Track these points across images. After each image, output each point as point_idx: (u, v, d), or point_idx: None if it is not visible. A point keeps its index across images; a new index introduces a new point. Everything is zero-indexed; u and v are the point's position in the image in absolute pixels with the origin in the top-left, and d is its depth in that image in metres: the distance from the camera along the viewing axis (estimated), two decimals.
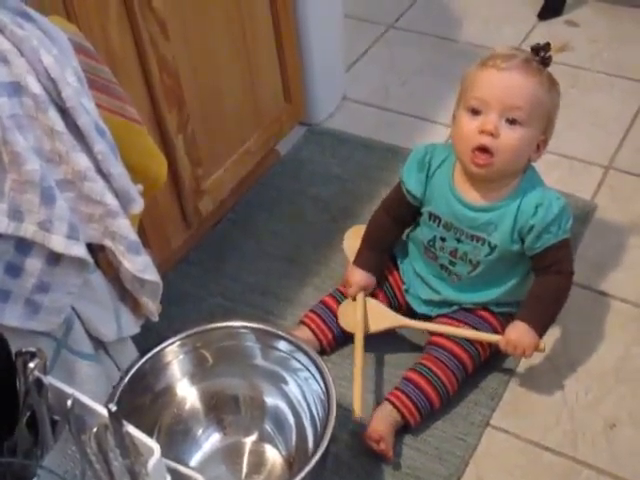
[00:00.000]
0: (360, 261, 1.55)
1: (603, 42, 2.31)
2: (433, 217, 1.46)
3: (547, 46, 1.34)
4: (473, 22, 2.42)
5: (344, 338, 1.55)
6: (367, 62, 2.33)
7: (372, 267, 1.54)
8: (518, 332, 1.40)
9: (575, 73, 2.20)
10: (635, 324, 1.59)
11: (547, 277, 1.42)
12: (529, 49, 1.36)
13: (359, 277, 1.53)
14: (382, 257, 1.57)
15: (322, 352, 1.53)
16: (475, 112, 1.35)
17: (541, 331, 1.41)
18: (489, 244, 1.42)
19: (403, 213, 1.53)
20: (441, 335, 1.47)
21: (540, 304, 1.43)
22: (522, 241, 1.40)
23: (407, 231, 1.58)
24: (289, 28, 1.79)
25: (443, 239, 1.46)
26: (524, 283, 1.47)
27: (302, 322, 1.56)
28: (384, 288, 1.57)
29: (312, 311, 1.57)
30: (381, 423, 1.39)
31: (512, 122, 1.33)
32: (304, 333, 1.52)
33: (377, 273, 1.55)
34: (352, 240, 1.63)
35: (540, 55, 1.34)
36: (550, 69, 1.36)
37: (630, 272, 1.69)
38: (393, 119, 2.11)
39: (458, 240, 1.44)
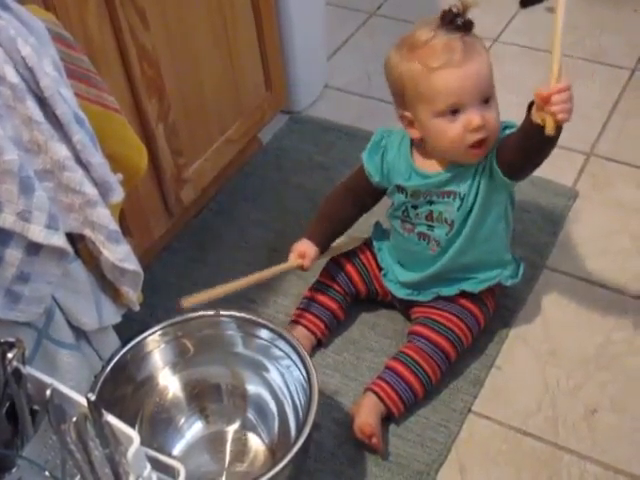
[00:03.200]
0: (308, 232, 1.53)
1: (584, 29, 2.31)
2: (399, 189, 1.45)
3: (460, 11, 1.30)
4: None
5: (336, 325, 1.57)
6: (349, 50, 2.33)
7: (317, 239, 1.52)
8: None
9: None
10: (616, 310, 1.60)
11: None
12: (443, 18, 1.30)
13: (302, 245, 1.51)
14: (330, 232, 1.55)
15: (319, 344, 1.55)
16: (453, 112, 1.32)
17: None
18: (459, 196, 1.39)
19: (362, 193, 1.53)
20: (423, 325, 1.47)
21: None
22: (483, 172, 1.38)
23: (389, 212, 1.54)
24: (270, 15, 1.79)
25: (415, 206, 1.45)
26: (499, 245, 1.48)
27: (293, 321, 1.56)
28: (363, 276, 1.57)
29: (299, 308, 1.57)
30: (370, 415, 1.38)
31: (487, 101, 1.33)
32: (297, 331, 1.52)
33: (321, 246, 1.52)
34: None
35: (458, 23, 1.30)
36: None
37: (610, 259, 1.70)
38: (375, 107, 2.11)
39: (430, 202, 1.43)
